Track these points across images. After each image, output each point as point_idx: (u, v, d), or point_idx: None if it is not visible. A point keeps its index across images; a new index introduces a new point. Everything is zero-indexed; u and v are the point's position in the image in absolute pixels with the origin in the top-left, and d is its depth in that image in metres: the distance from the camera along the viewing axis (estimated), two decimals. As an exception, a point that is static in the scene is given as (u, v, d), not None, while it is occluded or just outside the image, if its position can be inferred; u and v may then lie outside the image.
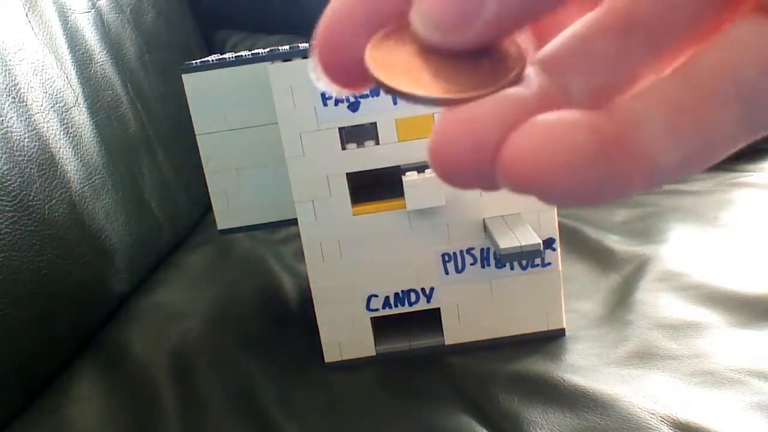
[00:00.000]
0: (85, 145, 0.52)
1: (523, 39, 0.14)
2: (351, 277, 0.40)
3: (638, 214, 0.57)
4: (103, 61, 0.59)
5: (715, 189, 0.60)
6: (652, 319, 0.41)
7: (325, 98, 0.37)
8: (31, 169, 0.45)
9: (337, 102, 0.37)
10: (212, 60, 0.42)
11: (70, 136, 0.50)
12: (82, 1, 0.60)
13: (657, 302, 0.43)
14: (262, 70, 0.40)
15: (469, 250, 0.40)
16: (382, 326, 0.42)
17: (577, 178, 0.11)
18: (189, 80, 0.42)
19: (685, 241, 0.51)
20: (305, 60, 0.37)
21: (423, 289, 0.41)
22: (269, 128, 0.42)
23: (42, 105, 0.48)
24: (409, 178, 0.37)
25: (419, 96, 0.12)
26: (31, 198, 0.44)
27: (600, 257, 0.50)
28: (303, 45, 0.39)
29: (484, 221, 0.39)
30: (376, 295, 0.41)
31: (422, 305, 0.41)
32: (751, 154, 0.67)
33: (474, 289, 0.40)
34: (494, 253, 0.40)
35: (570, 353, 0.39)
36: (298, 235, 0.40)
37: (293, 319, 0.48)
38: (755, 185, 0.60)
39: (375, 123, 0.38)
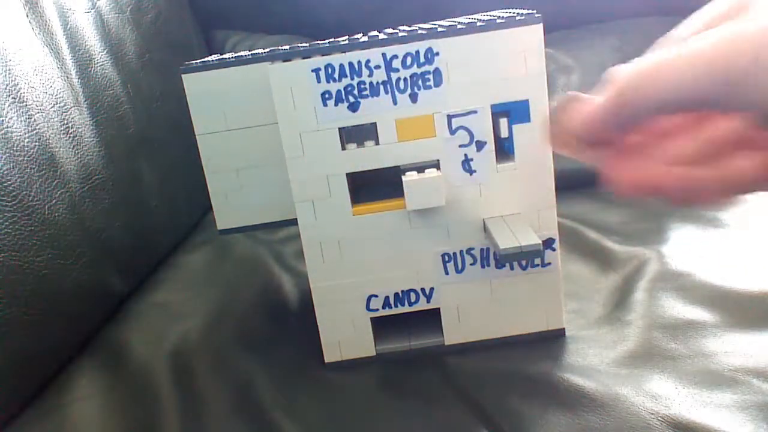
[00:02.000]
0: (85, 145, 0.52)
1: None
2: (351, 277, 0.40)
3: (638, 214, 0.57)
4: (103, 61, 0.59)
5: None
6: (652, 319, 0.41)
7: (325, 98, 0.37)
8: (31, 169, 0.45)
9: (337, 102, 0.37)
10: (212, 60, 0.42)
11: (70, 136, 0.50)
12: (82, 1, 0.60)
13: (657, 302, 0.43)
14: (262, 70, 0.40)
15: (469, 250, 0.40)
16: (382, 326, 0.42)
17: None
18: (189, 80, 0.42)
19: (685, 241, 0.51)
20: (305, 60, 0.37)
21: (423, 289, 0.41)
22: (269, 128, 0.42)
23: (42, 105, 0.48)
24: (409, 178, 0.37)
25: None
26: (31, 198, 0.44)
27: (600, 257, 0.50)
28: (303, 45, 0.39)
29: (484, 221, 0.39)
30: (376, 295, 0.41)
31: (422, 305, 0.41)
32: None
33: (474, 289, 0.40)
34: (494, 253, 0.40)
35: (570, 353, 0.39)
36: (298, 235, 0.40)
37: (293, 319, 0.48)
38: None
39: (375, 123, 0.38)
